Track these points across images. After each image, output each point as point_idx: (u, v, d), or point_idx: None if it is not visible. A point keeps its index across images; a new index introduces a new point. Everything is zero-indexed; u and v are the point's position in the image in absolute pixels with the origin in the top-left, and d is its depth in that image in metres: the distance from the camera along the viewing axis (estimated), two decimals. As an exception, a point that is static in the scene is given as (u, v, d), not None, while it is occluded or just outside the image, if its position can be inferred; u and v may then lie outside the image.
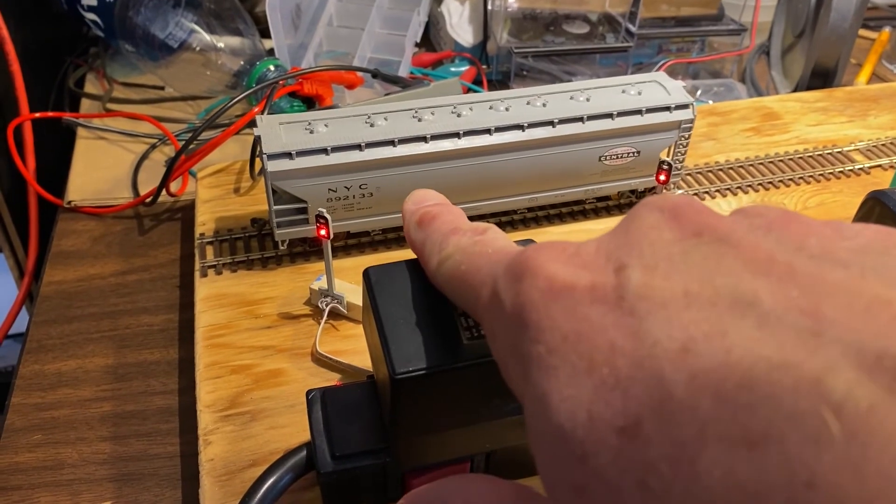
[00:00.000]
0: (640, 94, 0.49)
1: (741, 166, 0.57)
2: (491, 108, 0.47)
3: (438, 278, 0.26)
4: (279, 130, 0.44)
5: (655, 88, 0.49)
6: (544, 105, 0.47)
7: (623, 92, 0.49)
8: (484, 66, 0.73)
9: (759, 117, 0.63)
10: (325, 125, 0.44)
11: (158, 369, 0.45)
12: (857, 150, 0.60)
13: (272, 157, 0.42)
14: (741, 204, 0.53)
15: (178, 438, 0.41)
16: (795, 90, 0.71)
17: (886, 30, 0.86)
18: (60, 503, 0.37)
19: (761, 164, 0.57)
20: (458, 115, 0.46)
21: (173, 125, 0.65)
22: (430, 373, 0.29)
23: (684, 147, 0.50)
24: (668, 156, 0.51)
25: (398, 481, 0.33)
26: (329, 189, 0.44)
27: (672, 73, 0.76)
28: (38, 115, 0.61)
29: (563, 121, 0.47)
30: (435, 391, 0.29)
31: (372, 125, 0.45)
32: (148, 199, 0.54)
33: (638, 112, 0.47)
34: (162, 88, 0.71)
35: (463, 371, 0.29)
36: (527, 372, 0.18)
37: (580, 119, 0.47)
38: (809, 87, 0.70)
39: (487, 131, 0.45)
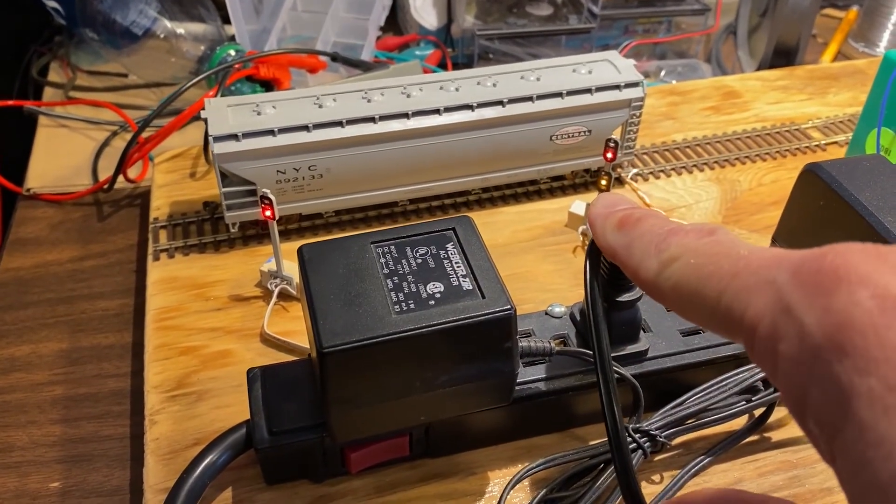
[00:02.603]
0: (590, 73, 0.49)
1: (698, 144, 0.57)
2: (441, 88, 0.47)
3: (662, 284, 0.22)
4: (227, 113, 0.44)
5: (606, 67, 0.50)
6: (494, 85, 0.47)
7: (574, 71, 0.49)
8: (449, 49, 0.73)
9: (720, 96, 0.64)
10: (273, 107, 0.44)
11: (112, 353, 0.45)
12: (815, 127, 0.60)
13: (218, 139, 0.42)
14: (696, 182, 0.54)
15: (128, 420, 0.41)
16: (759, 69, 0.72)
17: (854, 9, 0.86)
18: (8, 485, 0.38)
19: (718, 142, 0.58)
20: (408, 96, 0.46)
21: (135, 112, 0.65)
22: (358, 346, 0.29)
23: (636, 125, 0.50)
24: (620, 134, 0.51)
25: (337, 455, 0.34)
26: (277, 171, 0.44)
27: (638, 53, 0.76)
28: (-3, 103, 0.61)
29: (512, 100, 0.47)
30: (364, 364, 0.29)
31: (320, 106, 0.45)
32: (105, 186, 0.54)
33: (588, 91, 0.48)
34: (125, 76, 0.70)
35: (391, 343, 0.29)
36: (847, 407, 0.15)
37: (530, 98, 0.47)
38: (772, 66, 0.71)
39: (437, 111, 0.46)
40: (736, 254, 0.20)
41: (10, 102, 0.63)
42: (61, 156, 0.60)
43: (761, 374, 0.35)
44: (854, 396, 0.15)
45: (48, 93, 0.69)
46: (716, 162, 0.55)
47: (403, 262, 0.32)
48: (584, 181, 0.53)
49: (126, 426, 0.41)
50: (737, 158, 0.56)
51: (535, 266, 0.47)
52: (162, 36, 0.66)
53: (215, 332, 0.42)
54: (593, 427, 0.37)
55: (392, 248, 0.33)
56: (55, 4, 0.69)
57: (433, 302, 0.30)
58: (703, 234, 0.21)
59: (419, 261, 0.32)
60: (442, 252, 0.33)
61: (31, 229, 0.54)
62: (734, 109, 0.62)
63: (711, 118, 0.61)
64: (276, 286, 0.43)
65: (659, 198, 0.52)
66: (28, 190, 0.56)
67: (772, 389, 0.36)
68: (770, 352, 0.18)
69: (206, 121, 0.43)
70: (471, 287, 0.31)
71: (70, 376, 0.43)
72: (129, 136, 0.63)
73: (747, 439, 0.37)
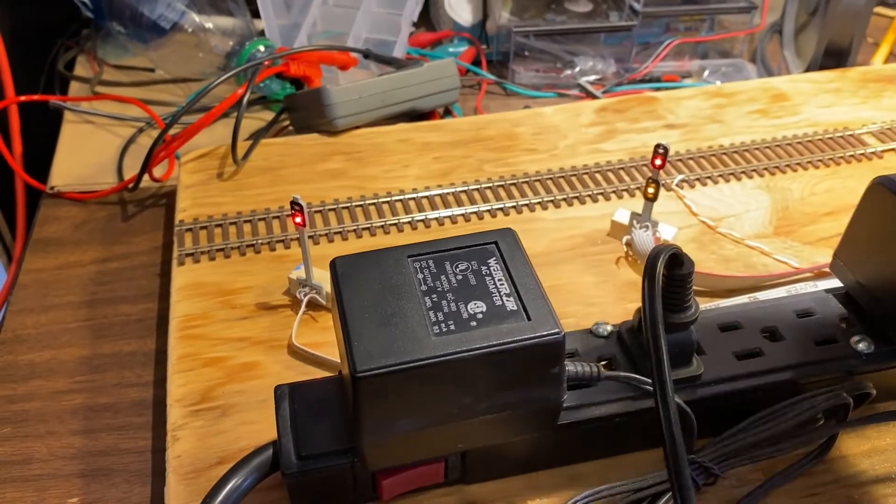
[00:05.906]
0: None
1: (746, 150, 0.54)
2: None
3: None
4: None
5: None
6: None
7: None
8: (483, 46, 0.71)
9: (768, 99, 0.61)
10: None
11: (134, 360, 0.43)
12: (870, 132, 0.57)
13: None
14: (745, 189, 0.51)
15: (150, 433, 0.39)
16: (807, 70, 0.68)
17: (906, 7, 0.82)
18: (26, 500, 0.36)
19: (767, 147, 0.55)
20: None
21: (162, 109, 0.63)
22: (394, 370, 0.27)
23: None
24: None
25: (368, 481, 0.32)
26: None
27: (679, 52, 0.73)
28: (23, 98, 0.60)
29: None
30: (400, 389, 0.28)
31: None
32: (130, 185, 0.53)
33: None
34: (152, 71, 0.69)
35: (429, 368, 0.27)
36: None
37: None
38: (822, 67, 0.67)
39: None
40: None
41: (37, 97, 0.62)
42: (86, 153, 0.59)
43: (822, 405, 0.33)
44: None
45: (74, 87, 0.68)
46: (765, 169, 0.53)
47: (442, 277, 0.30)
48: (627, 188, 0.50)
49: (147, 439, 0.39)
50: (787, 165, 0.53)
51: (576, 277, 0.44)
52: (190, 30, 0.65)
53: (242, 343, 0.40)
54: (640, 454, 0.35)
55: (430, 262, 0.31)
56: (83, -3, 0.68)
57: (475, 323, 0.28)
58: None
59: (459, 277, 0.30)
60: (484, 268, 0.30)
61: (55, 229, 0.52)
62: (783, 113, 0.59)
63: (760, 122, 0.58)
64: (305, 295, 0.41)
65: (706, 206, 0.49)
66: (52, 188, 0.55)
67: (833, 421, 0.34)
68: None
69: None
70: (515, 307, 0.29)
71: (91, 384, 0.42)
72: (154, 133, 0.61)
73: (805, 472, 0.34)
